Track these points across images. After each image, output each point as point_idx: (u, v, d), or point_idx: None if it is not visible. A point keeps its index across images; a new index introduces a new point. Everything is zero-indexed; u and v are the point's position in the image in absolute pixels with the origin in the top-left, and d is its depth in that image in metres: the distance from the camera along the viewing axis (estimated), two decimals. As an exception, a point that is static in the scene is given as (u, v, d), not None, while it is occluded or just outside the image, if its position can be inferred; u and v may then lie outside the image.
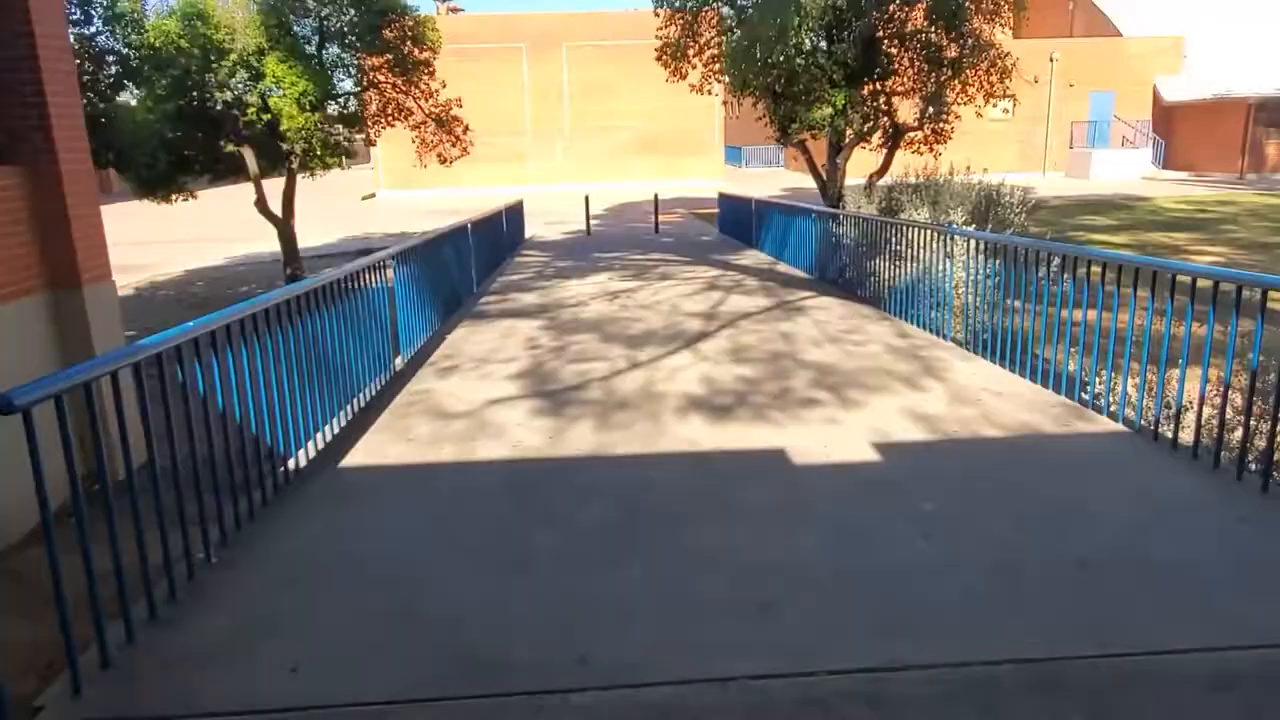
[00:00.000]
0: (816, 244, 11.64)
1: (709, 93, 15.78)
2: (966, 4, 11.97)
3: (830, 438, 4.99)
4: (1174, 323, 4.65)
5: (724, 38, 14.09)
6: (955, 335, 7.42)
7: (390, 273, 6.89)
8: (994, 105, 13.03)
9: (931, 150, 13.78)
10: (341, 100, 14.75)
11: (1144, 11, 35.95)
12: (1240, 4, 36.50)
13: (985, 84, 12.50)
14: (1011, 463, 4.58)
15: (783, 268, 12.97)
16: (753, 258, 14.58)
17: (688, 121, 37.62)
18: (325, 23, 13.67)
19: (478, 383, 6.47)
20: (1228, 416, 4.38)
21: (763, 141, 48.42)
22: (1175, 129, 35.47)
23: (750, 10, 12.83)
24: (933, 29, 12.78)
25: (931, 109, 13.37)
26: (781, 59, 11.60)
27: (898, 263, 8.70)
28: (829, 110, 12.12)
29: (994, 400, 5.58)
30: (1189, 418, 4.70)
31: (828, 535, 3.75)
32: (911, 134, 13.82)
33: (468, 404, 5.89)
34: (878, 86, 12.78)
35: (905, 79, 13.35)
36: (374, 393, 6.08)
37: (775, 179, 39.32)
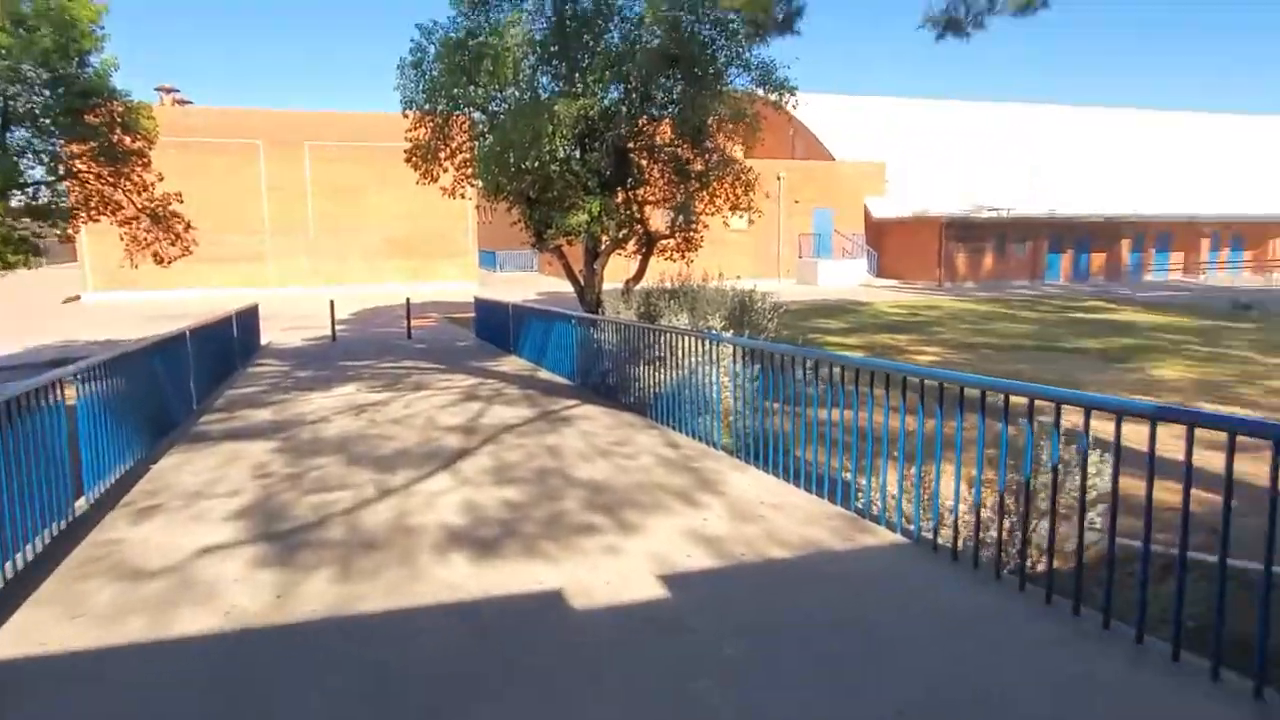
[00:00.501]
0: (577, 350, 11.36)
1: (462, 196, 15.39)
2: (709, 122, 12.55)
3: (612, 572, 4.46)
4: (943, 425, 4.64)
5: (476, 142, 13.85)
6: (725, 443, 7.25)
7: (71, 391, 5.62)
8: (740, 216, 13.64)
9: (683, 257, 14.17)
10: (30, 190, 12.78)
11: (853, 140, 40.56)
12: (933, 137, 42.26)
13: (731, 196, 13.07)
14: (804, 587, 4.27)
15: (544, 374, 12.56)
16: (512, 364, 14.07)
17: (440, 224, 37.10)
18: (11, 103, 11.87)
19: (186, 526, 5.33)
20: (993, 519, 4.37)
21: (517, 246, 48.84)
22: (884, 242, 39.85)
23: (503, 116, 12.68)
24: (680, 144, 13.28)
25: (682, 218, 13.78)
26: (535, 165, 11.47)
27: (661, 369, 8.54)
28: (584, 217, 12.08)
29: (775, 515, 5.33)
30: (979, 524, 4.67)
31: (622, 707, 3.16)
32: (664, 241, 14.13)
33: (169, 556, 4.77)
34: (631, 195, 12.98)
35: (657, 189, 13.71)
36: (40, 548, 4.79)
37: (531, 283, 39.55)
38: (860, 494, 5.43)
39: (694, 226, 13.95)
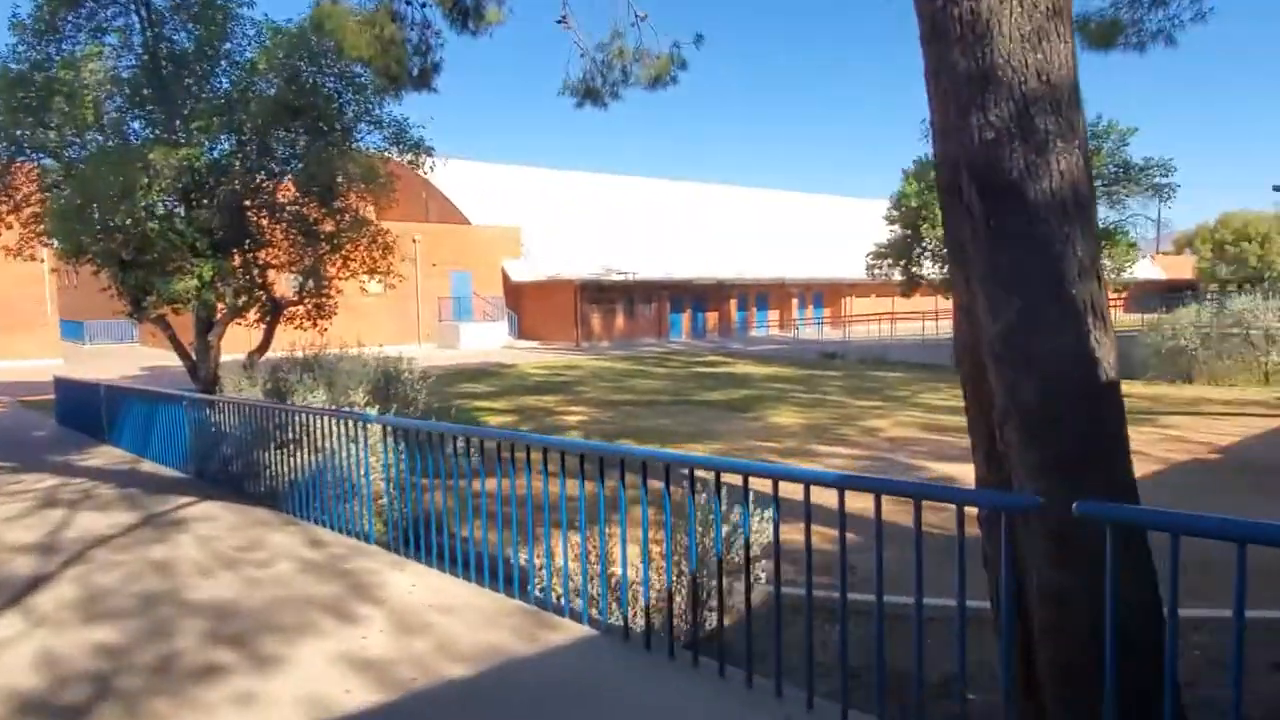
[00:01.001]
0: (191, 436, 9.68)
1: (31, 258, 12.77)
2: (339, 181, 11.64)
3: (247, 731, 3.50)
4: (613, 493, 4.34)
5: (49, 194, 11.56)
6: (379, 535, 6.41)
7: None
8: (379, 281, 12.79)
9: (315, 325, 12.95)
10: None
11: (488, 205, 41.09)
12: (565, 204, 44.18)
13: (368, 260, 12.19)
14: (491, 711, 3.66)
15: (148, 467, 10.56)
16: (107, 455, 11.71)
17: (7, 291, 31.01)
18: None
19: None
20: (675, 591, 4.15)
21: (110, 315, 42.44)
22: (523, 304, 40.63)
23: (82, 165, 10.68)
24: (306, 203, 12.18)
25: (311, 283, 12.60)
26: (128, 222, 9.75)
27: (296, 453, 7.45)
28: (194, 282, 10.49)
29: (447, 621, 4.66)
30: (667, 605, 4.39)
31: None
32: (292, 308, 12.82)
33: None
34: (250, 258, 11.58)
35: (281, 251, 12.41)
36: None
37: (131, 357, 34.36)
38: (539, 580, 4.97)
39: (325, 292, 12.82)
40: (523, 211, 42.00)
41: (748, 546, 3.96)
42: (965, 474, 12.15)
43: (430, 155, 11.56)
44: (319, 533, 6.73)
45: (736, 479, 3.81)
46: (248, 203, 11.39)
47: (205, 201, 10.53)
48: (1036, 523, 3.50)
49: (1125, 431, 3.67)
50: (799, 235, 50.23)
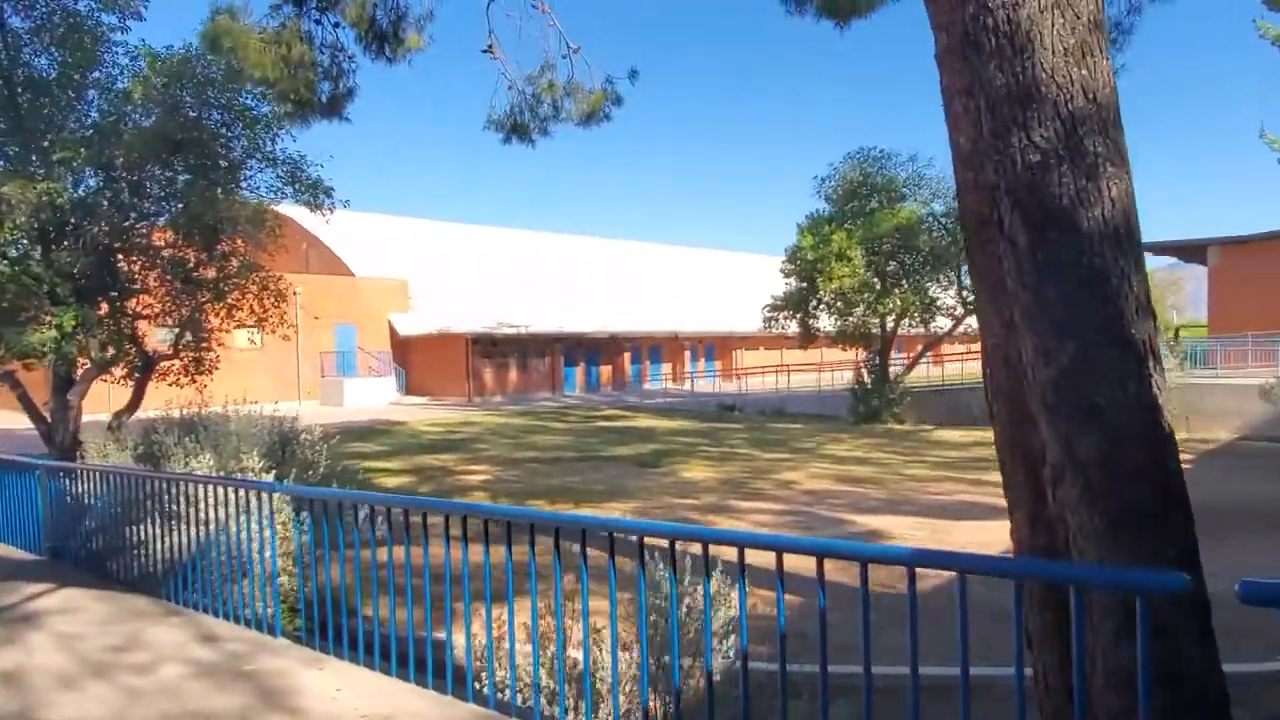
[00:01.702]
0: (48, 511, 8.34)
1: None
2: (223, 223, 10.58)
3: None
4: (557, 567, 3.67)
5: None
6: (287, 626, 5.47)
7: None
8: (270, 332, 11.69)
9: (194, 381, 11.71)
10: None
11: (373, 256, 39.63)
12: (455, 254, 43.11)
13: (257, 308, 11.10)
14: None
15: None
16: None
17: None
18: None
19: None
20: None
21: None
22: (411, 359, 39.13)
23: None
24: (185, 247, 11.05)
25: (190, 335, 11.40)
26: (-26, 263, 8.47)
27: (179, 528, 6.40)
28: (52, 333, 9.21)
29: (387, 735, 3.83)
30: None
31: None
32: (167, 363, 11.56)
33: None
34: (119, 306, 10.34)
35: (156, 299, 11.18)
36: None
37: (-33, 420, 31.01)
38: (483, 672, 4.21)
39: (205, 345, 11.63)
40: (410, 263, 40.73)
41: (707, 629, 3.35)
42: (889, 526, 11.99)
43: (329, 196, 10.64)
44: (211, 624, 5.70)
45: (694, 547, 3.25)
46: (117, 245, 10.18)
47: (67, 243, 9.29)
48: (1101, 596, 3.07)
49: (1186, 492, 3.30)
50: (690, 289, 50.69)
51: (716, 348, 49.81)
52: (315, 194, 10.40)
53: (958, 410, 26.77)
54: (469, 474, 16.74)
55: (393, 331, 38.51)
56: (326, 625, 4.92)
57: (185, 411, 9.87)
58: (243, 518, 5.88)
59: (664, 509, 12.99)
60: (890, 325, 27.29)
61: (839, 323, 27.07)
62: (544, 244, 50.56)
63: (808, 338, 27.96)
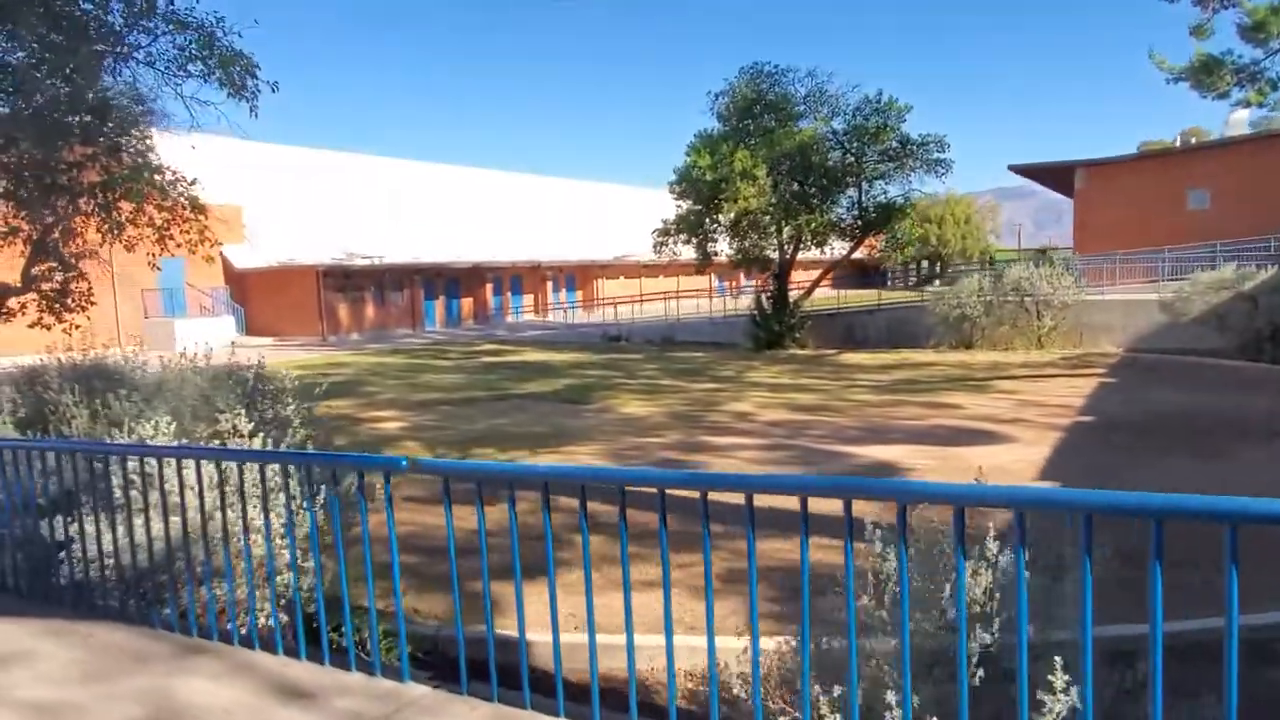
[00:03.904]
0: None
1: None
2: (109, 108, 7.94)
3: None
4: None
5: None
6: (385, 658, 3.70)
7: None
8: (192, 252, 9.15)
9: (61, 321, 9.11)
10: None
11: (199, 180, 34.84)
12: (293, 184, 38.70)
13: (178, 223, 8.56)
14: None
15: None
16: None
17: None
18: None
19: None
20: None
21: None
22: (251, 296, 35.09)
23: None
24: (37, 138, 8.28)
25: (53, 261, 8.74)
26: None
27: (136, 521, 4.40)
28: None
29: None
30: None
31: None
32: (18, 298, 8.87)
33: None
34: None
35: None
36: None
37: None
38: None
39: (74, 274, 8.98)
40: (242, 191, 36.21)
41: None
42: (895, 457, 11.13)
43: (254, 78, 8.05)
44: (264, 661, 3.82)
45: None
46: None
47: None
48: None
49: None
50: (549, 219, 48.46)
51: (577, 277, 48.16)
52: (235, 71, 7.79)
53: (853, 333, 26.71)
54: (378, 422, 14.63)
55: (227, 266, 34.24)
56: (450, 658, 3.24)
57: (77, 359, 7.48)
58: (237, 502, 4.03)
59: (636, 451, 11.58)
60: (788, 249, 26.63)
61: (738, 246, 26.11)
62: (394, 171, 46.54)
63: (705, 262, 26.86)
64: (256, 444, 5.56)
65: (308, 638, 3.82)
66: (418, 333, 36.43)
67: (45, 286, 8.84)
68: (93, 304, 8.98)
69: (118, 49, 7.85)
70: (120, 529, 5.15)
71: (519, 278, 44.36)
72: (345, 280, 35.07)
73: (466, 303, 41.25)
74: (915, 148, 24.55)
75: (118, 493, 4.68)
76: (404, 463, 3.43)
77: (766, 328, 25.07)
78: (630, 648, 2.95)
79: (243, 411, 5.42)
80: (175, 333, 31.06)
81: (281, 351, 29.13)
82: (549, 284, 46.27)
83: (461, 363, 24.60)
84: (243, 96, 7.70)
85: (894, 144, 24.69)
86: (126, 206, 8.20)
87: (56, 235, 8.60)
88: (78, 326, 9.63)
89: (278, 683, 3.62)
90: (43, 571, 4.85)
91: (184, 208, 8.52)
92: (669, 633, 2.89)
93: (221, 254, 34.36)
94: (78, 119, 7.77)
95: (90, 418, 6.96)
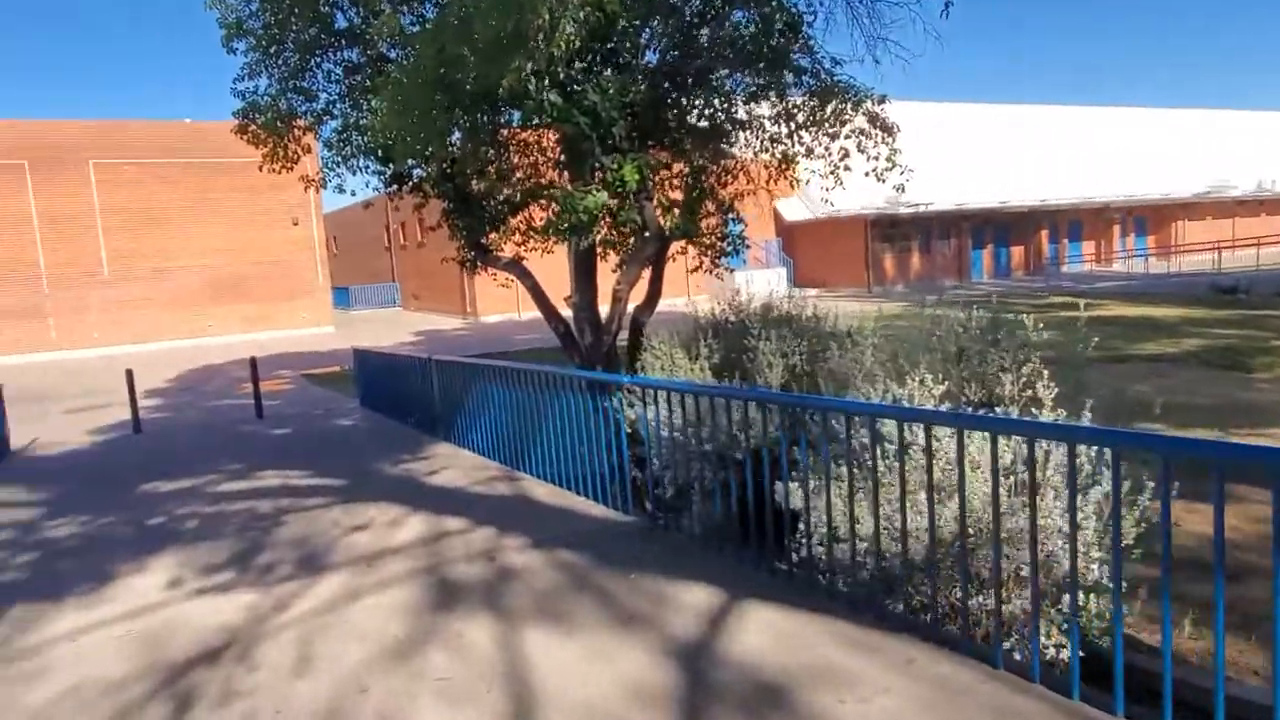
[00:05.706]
0: (604, 441, 5.73)
1: (340, 190, 9.50)
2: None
3: None
4: None
5: (370, 97, 7.85)
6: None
7: None
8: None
9: (714, 266, 9.05)
10: None
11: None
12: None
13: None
14: None
15: (532, 487, 6.88)
16: (461, 463, 8.21)
17: (280, 255, 30.06)
18: None
19: None
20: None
21: (368, 279, 41.74)
22: (799, 247, 35.84)
23: (428, 25, 6.98)
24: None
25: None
26: (508, 96, 5.83)
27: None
28: (601, 197, 6.48)
29: None
30: None
31: None
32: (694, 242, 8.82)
33: None
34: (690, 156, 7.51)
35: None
36: None
37: (399, 323, 32.91)
38: None
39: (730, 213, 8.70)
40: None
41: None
42: None
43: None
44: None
45: None
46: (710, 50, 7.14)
47: (626, 59, 6.52)
48: None
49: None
50: (1115, 155, 41.75)
51: (1149, 221, 41.00)
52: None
53: None
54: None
55: (778, 218, 35.25)
56: None
57: (762, 305, 7.01)
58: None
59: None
60: None
61: None
62: (931, 113, 44.04)
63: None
64: (1045, 416, 4.30)
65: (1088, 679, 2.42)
66: (965, 284, 33.92)
67: (712, 237, 8.76)
68: (747, 246, 8.77)
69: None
70: (862, 505, 4.26)
71: (1079, 223, 39.02)
72: (891, 229, 33.92)
73: (1016, 251, 37.45)
74: None
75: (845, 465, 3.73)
76: None
77: None
78: None
79: (1045, 372, 4.17)
80: (734, 282, 32.92)
81: (841, 302, 29.04)
82: (1116, 228, 40.04)
83: (1056, 317, 21.74)
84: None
85: None
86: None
87: (712, 180, 8.36)
88: (731, 270, 9.52)
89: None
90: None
91: (877, 127, 7.70)
92: None
93: (775, 207, 35.53)
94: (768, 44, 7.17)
95: (788, 370, 6.37)
